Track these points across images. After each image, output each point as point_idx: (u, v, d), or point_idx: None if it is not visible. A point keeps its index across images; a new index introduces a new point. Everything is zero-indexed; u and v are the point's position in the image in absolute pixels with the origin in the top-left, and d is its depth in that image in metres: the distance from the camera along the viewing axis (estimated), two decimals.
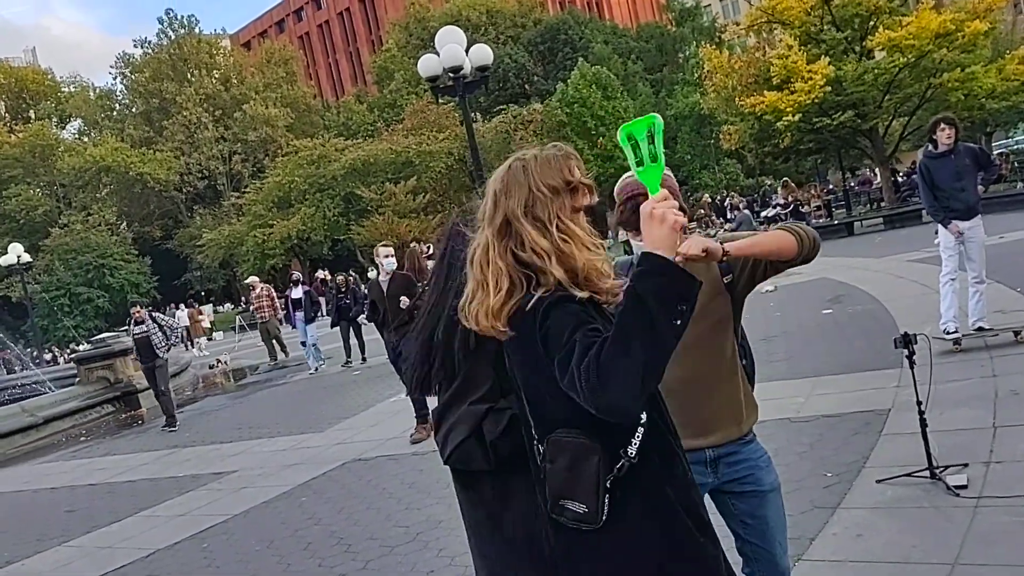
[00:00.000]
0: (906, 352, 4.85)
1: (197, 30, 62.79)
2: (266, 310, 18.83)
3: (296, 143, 50.79)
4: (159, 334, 12.57)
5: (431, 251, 21.38)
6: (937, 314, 8.22)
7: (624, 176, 2.83)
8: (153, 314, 13.29)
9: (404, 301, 8.32)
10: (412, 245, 15.67)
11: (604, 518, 1.88)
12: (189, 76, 59.76)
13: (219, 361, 22.83)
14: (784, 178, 31.63)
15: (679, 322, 1.72)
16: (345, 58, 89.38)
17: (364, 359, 16.20)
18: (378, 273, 9.17)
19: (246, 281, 20.39)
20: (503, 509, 2.24)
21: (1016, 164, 30.23)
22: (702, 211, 32.45)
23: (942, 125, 7.69)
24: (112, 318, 49.17)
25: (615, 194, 2.83)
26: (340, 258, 53.12)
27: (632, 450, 1.89)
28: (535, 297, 1.89)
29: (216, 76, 61.53)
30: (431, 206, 47.19)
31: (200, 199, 59.51)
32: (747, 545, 2.78)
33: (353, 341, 16.40)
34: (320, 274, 42.11)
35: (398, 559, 5.23)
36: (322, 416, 10.85)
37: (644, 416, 1.90)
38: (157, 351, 12.50)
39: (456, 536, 5.37)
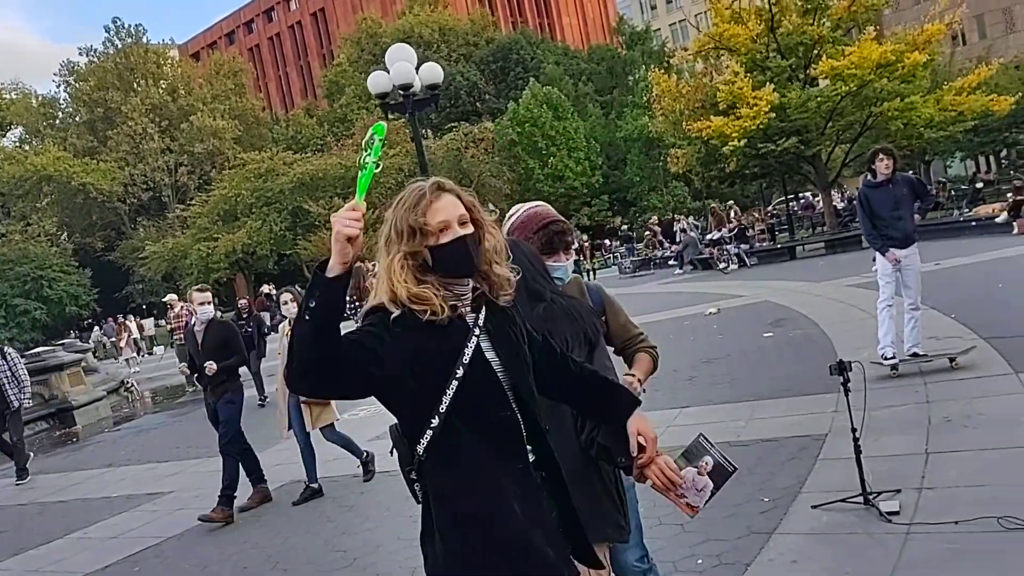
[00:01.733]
0: (841, 379, 4.92)
1: (145, 39, 61.97)
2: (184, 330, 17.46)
3: (244, 156, 50.26)
4: (12, 378, 11.15)
5: (375, 268, 21.33)
6: (874, 339, 8.39)
7: (530, 206, 3.20)
8: (6, 351, 11.55)
9: (211, 367, 7.33)
10: (358, 264, 15.58)
11: (420, 501, 2.25)
12: (135, 86, 58.85)
13: (124, 386, 20.09)
14: (712, 206, 32.07)
15: (307, 317, 1.98)
16: (296, 71, 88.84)
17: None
18: (195, 322, 7.95)
19: (164, 299, 19.15)
20: None
21: (953, 192, 31.10)
22: (649, 233, 32.78)
23: (880, 156, 7.86)
24: (50, 331, 47.95)
25: (523, 223, 3.15)
26: (286, 273, 52.53)
27: (420, 448, 2.15)
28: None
29: (163, 86, 60.68)
30: (380, 222, 46.69)
31: (144, 210, 58.46)
32: None
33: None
34: (265, 288, 41.63)
35: None
36: (261, 436, 10.59)
37: (436, 420, 2.11)
38: (9, 398, 11.05)
39: (394, 560, 5.31)
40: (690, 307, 15.04)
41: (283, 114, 74.23)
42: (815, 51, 25.24)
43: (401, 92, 14.95)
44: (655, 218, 37.23)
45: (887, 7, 28.38)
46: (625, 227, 39.85)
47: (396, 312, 2.13)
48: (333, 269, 2.00)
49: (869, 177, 8.09)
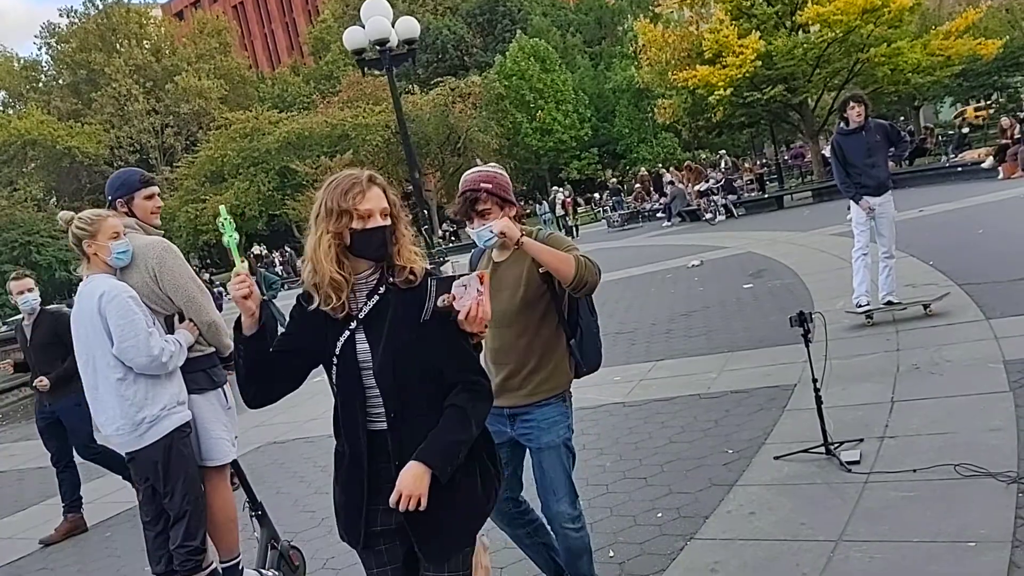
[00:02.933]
0: (802, 330, 4.90)
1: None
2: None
3: (229, 115, 49.72)
4: None
5: None
6: (852, 288, 8.37)
7: (472, 170, 3.33)
8: None
9: (43, 384, 6.28)
10: None
11: None
12: (118, 47, 58.04)
13: None
14: (687, 162, 31.80)
15: (241, 365, 2.53)
16: (281, 28, 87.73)
17: None
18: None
19: None
20: None
21: (941, 138, 30.93)
22: (639, 186, 32.62)
23: (852, 103, 7.76)
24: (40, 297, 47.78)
25: (459, 186, 3.32)
26: (276, 233, 52.39)
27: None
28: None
29: (147, 47, 59.88)
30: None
31: None
32: (536, 488, 3.42)
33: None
34: (256, 249, 41.52)
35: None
36: (240, 399, 10.64)
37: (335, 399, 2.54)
38: None
39: None
40: (675, 260, 14.99)
41: (269, 72, 73.43)
42: None
43: (377, 47, 14.73)
44: (643, 171, 37.02)
45: None
46: (615, 180, 39.60)
47: (315, 304, 2.48)
48: (248, 328, 2.45)
49: (841, 125, 8.00)
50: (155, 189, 4.58)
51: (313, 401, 9.41)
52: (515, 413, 3.32)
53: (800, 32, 24.56)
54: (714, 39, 23.67)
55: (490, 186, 3.23)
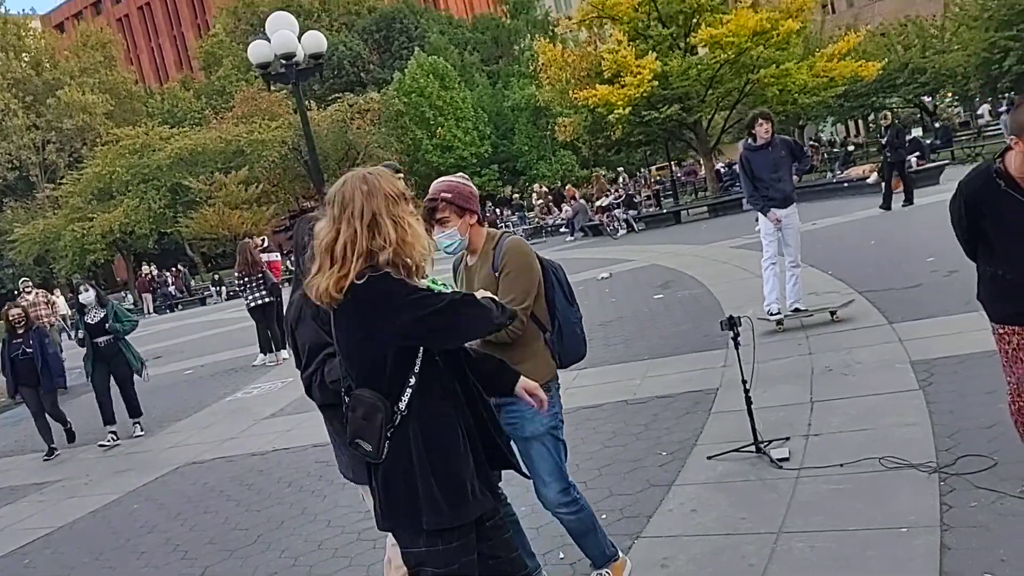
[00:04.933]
0: (731, 334, 5.10)
1: (2, 9, 58.14)
2: (44, 319, 14.64)
3: (117, 131, 47.86)
4: None
5: (265, 243, 20.75)
6: (759, 297, 8.73)
7: (436, 181, 3.50)
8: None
9: None
10: (245, 239, 15.15)
11: (384, 456, 2.56)
12: None
13: None
14: (596, 173, 32.54)
15: None
16: (169, 42, 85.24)
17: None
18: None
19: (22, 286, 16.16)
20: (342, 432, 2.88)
21: (826, 155, 32.39)
22: (541, 201, 33.03)
23: (760, 120, 8.14)
24: None
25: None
26: (167, 252, 50.74)
27: (403, 405, 2.56)
28: (364, 272, 2.51)
29: (26, 60, 57.12)
30: (264, 196, 45.75)
31: (10, 191, 55.13)
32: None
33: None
34: (146, 269, 40.11)
35: (238, 562, 5.06)
36: (152, 419, 10.29)
37: (413, 379, 2.57)
38: None
39: (299, 535, 5.26)
40: (583, 272, 15.24)
41: (157, 87, 71.18)
42: (695, 19, 25.80)
43: (283, 62, 14.55)
44: (544, 188, 37.53)
45: None
46: (516, 196, 39.99)
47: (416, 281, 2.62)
48: None
49: (749, 141, 8.36)
50: None
51: (230, 419, 9.27)
52: (500, 404, 3.40)
53: (694, 52, 25.41)
54: (612, 59, 24.25)
55: (449, 195, 3.41)
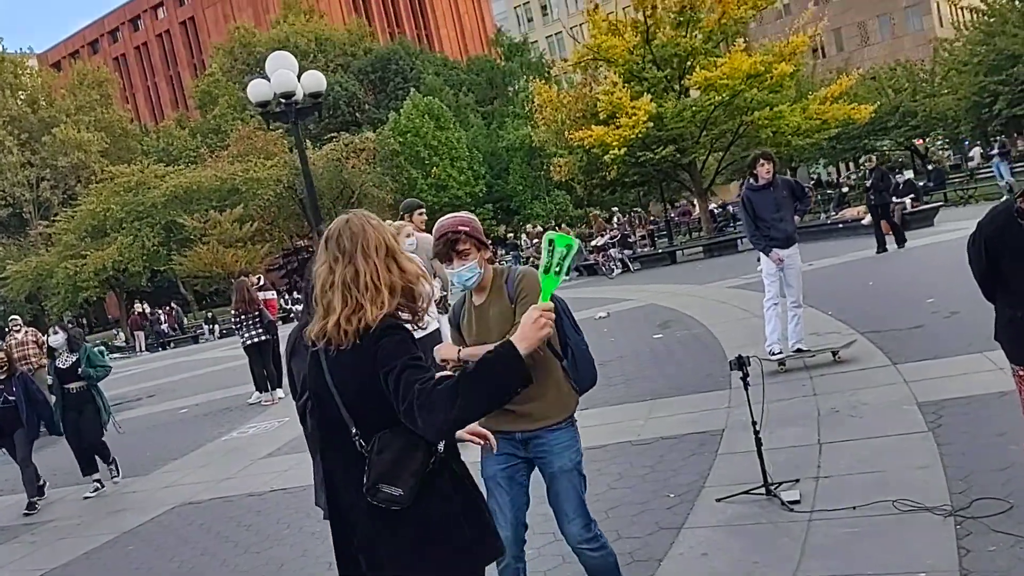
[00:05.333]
0: (740, 374, 5.06)
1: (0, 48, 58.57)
2: (32, 359, 13.74)
3: (112, 169, 48.02)
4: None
5: (261, 281, 20.68)
6: (759, 337, 8.70)
7: (445, 218, 3.49)
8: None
9: None
10: (242, 277, 15.08)
11: (412, 501, 2.38)
12: None
13: None
14: (593, 213, 32.67)
15: (502, 399, 2.37)
16: (165, 81, 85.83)
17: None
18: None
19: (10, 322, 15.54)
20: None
21: (820, 197, 32.59)
22: (537, 239, 33.09)
23: (762, 160, 8.16)
24: None
25: (434, 231, 3.47)
26: (160, 290, 50.66)
27: (441, 446, 2.45)
28: (377, 320, 2.39)
29: (22, 97, 57.46)
30: (259, 235, 45.84)
31: (3, 228, 55.15)
32: (550, 506, 3.55)
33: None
34: (138, 307, 39.94)
35: None
36: (146, 458, 10.16)
37: None
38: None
39: None
40: (580, 312, 15.15)
41: (153, 126, 71.53)
42: (689, 62, 26.09)
43: (283, 100, 14.62)
44: (538, 227, 37.66)
45: (753, 20, 29.59)
46: (511, 235, 40.12)
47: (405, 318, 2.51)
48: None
49: (751, 181, 8.37)
50: None
51: (226, 459, 9.15)
52: (527, 438, 3.45)
53: (688, 94, 25.68)
54: (608, 100, 24.48)
55: (468, 228, 3.41)
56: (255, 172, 43.78)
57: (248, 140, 47.34)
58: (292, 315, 30.61)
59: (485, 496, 3.28)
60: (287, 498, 7.10)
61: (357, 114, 59.35)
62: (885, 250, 15.95)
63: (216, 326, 36.04)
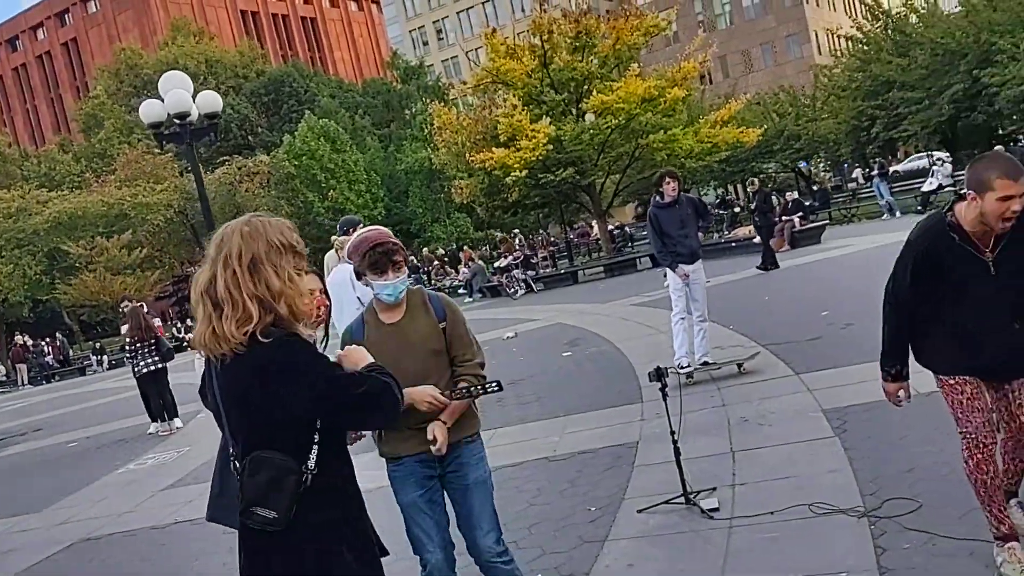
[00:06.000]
0: (659, 385, 5.13)
1: None
2: None
3: None
4: None
5: (144, 309, 19.91)
6: (665, 351, 8.87)
7: (365, 231, 3.53)
8: None
9: None
10: (133, 304, 14.47)
11: (289, 521, 2.33)
12: None
13: None
14: (502, 236, 32.96)
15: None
16: (46, 104, 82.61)
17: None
18: None
19: None
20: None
21: (714, 217, 33.59)
22: (437, 262, 33.04)
23: (667, 179, 8.36)
24: None
25: (355, 246, 3.44)
26: (43, 320, 48.24)
27: (311, 463, 2.37)
28: (270, 331, 2.33)
29: None
30: (148, 261, 44.31)
31: None
32: (459, 526, 3.51)
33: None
34: (19, 339, 37.99)
35: None
36: (38, 494, 9.61)
37: (317, 435, 2.38)
38: None
39: None
40: (487, 333, 15.20)
41: (33, 150, 68.50)
42: (586, 86, 26.57)
43: (177, 121, 14.22)
44: (431, 252, 37.71)
45: (645, 48, 30.39)
46: (412, 258, 39.86)
47: (302, 331, 2.44)
48: None
49: (657, 198, 8.55)
50: None
51: (125, 492, 8.77)
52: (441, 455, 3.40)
53: (586, 118, 26.16)
54: (508, 123, 24.69)
55: (397, 241, 3.43)
56: (144, 197, 42.33)
57: (136, 164, 45.78)
58: (184, 343, 29.55)
59: (405, 524, 3.42)
60: (193, 530, 6.81)
61: (250, 137, 58.26)
62: (777, 267, 16.49)
63: (105, 357, 34.56)
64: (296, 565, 2.36)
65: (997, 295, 3.37)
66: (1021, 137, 39.94)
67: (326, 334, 3.07)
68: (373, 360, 2.53)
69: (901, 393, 3.71)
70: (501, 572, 3.52)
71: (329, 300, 3.56)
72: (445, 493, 3.52)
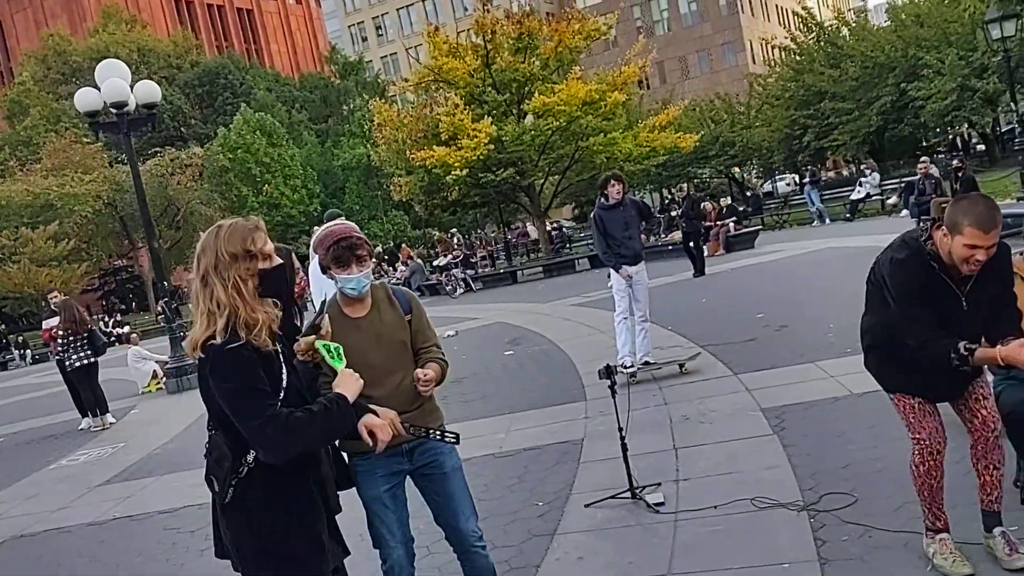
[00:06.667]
0: (608, 382, 5.25)
1: None
2: None
3: None
4: None
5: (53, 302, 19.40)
6: (606, 351, 9.03)
7: (326, 226, 3.52)
8: None
9: None
10: (63, 298, 14.09)
11: (228, 500, 2.63)
12: None
13: None
14: (439, 235, 32.97)
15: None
16: None
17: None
18: None
19: None
20: None
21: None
22: (375, 261, 32.83)
23: (612, 181, 8.52)
24: None
25: (320, 240, 3.45)
26: None
27: (251, 458, 2.62)
28: (216, 339, 2.53)
29: None
30: (75, 253, 43.16)
31: None
32: (440, 517, 3.55)
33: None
34: None
35: None
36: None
37: None
38: None
39: None
40: None
41: None
42: (527, 88, 26.70)
43: (114, 110, 13.96)
44: (378, 247, 37.39)
45: (585, 51, 30.66)
46: None
47: (237, 342, 2.53)
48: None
49: (602, 200, 8.70)
50: None
51: (58, 488, 8.61)
52: (414, 446, 3.42)
53: (527, 119, 26.27)
54: (450, 122, 24.69)
55: (362, 236, 3.42)
56: (71, 187, 41.21)
57: (64, 153, 44.55)
58: (112, 337, 28.84)
59: (367, 518, 3.43)
60: (133, 525, 6.73)
61: (183, 129, 57.17)
62: (703, 274, 16.61)
63: (28, 351, 33.53)
64: (238, 536, 2.69)
65: (968, 330, 3.39)
66: (942, 150, 41.51)
67: (299, 308, 3.19)
68: (352, 395, 2.74)
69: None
70: (481, 559, 3.60)
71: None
72: (416, 489, 3.56)
